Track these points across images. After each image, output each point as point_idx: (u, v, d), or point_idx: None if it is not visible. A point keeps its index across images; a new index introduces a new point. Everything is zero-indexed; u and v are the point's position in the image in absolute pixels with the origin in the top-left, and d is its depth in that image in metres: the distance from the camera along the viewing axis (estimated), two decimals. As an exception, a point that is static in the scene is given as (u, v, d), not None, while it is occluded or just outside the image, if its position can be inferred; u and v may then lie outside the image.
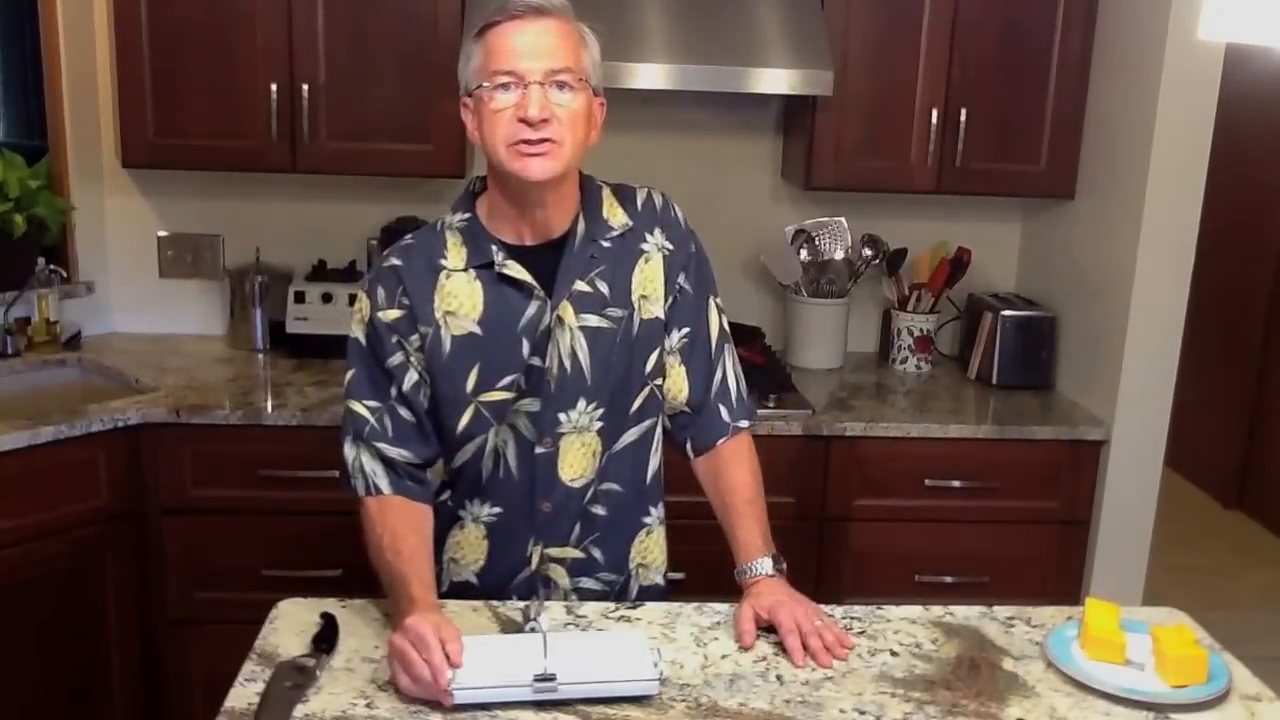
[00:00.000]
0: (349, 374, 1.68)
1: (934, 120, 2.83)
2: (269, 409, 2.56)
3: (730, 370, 1.79)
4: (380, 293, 1.64)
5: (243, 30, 2.68)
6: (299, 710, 1.40)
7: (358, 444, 1.66)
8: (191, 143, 2.72)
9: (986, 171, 2.90)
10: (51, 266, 2.89)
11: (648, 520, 1.78)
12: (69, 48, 2.90)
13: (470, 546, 1.74)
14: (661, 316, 1.70)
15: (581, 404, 1.66)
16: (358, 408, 1.66)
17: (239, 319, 3.04)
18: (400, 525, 1.61)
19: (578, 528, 1.72)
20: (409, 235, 1.71)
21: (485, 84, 1.54)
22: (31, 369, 2.85)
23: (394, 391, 1.65)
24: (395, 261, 1.65)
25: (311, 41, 2.70)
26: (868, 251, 3.15)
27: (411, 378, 1.64)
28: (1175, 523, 3.79)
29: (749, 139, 3.16)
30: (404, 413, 1.65)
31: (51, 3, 2.86)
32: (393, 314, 1.63)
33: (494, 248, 1.63)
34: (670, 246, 1.71)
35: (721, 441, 1.76)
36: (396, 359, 1.64)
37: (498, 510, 1.71)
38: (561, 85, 1.53)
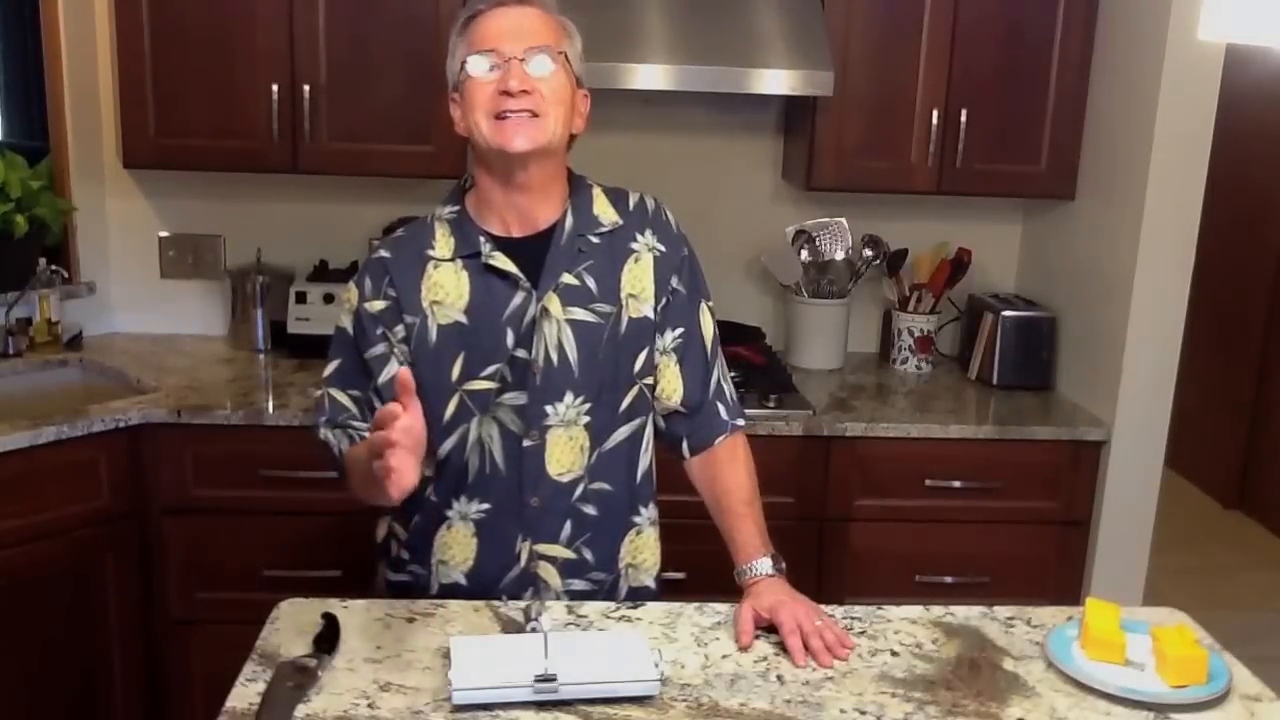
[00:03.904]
0: (332, 363, 1.70)
1: (934, 121, 2.84)
2: (270, 409, 2.56)
3: (724, 374, 1.81)
4: (367, 283, 1.67)
5: (244, 31, 2.68)
6: (300, 710, 1.40)
7: (331, 426, 1.68)
8: (193, 143, 2.73)
9: (987, 172, 2.90)
10: (53, 267, 2.90)
11: (637, 520, 1.78)
12: (70, 48, 2.90)
13: (459, 546, 1.73)
14: (651, 317, 1.71)
15: (569, 397, 1.67)
16: (338, 395, 1.69)
17: (240, 319, 3.05)
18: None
19: (568, 527, 1.72)
20: (399, 229, 1.74)
21: (467, 60, 1.58)
22: (33, 369, 2.85)
23: (371, 385, 1.66)
24: (383, 254, 1.68)
25: (312, 42, 2.70)
26: (868, 252, 3.15)
27: (390, 369, 1.65)
28: (1175, 523, 3.79)
29: (749, 139, 3.17)
30: (379, 405, 1.65)
31: (53, 3, 2.86)
32: (378, 305, 1.66)
33: (481, 238, 1.65)
34: (662, 248, 1.72)
35: (720, 440, 1.77)
36: (379, 349, 1.66)
37: (486, 507, 1.71)
38: (541, 61, 1.57)
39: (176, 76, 2.69)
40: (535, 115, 1.56)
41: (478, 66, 1.58)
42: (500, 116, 1.56)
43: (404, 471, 1.35)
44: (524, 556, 1.72)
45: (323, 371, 1.72)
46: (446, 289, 1.65)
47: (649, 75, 2.60)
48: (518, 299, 1.64)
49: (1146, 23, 2.62)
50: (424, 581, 1.75)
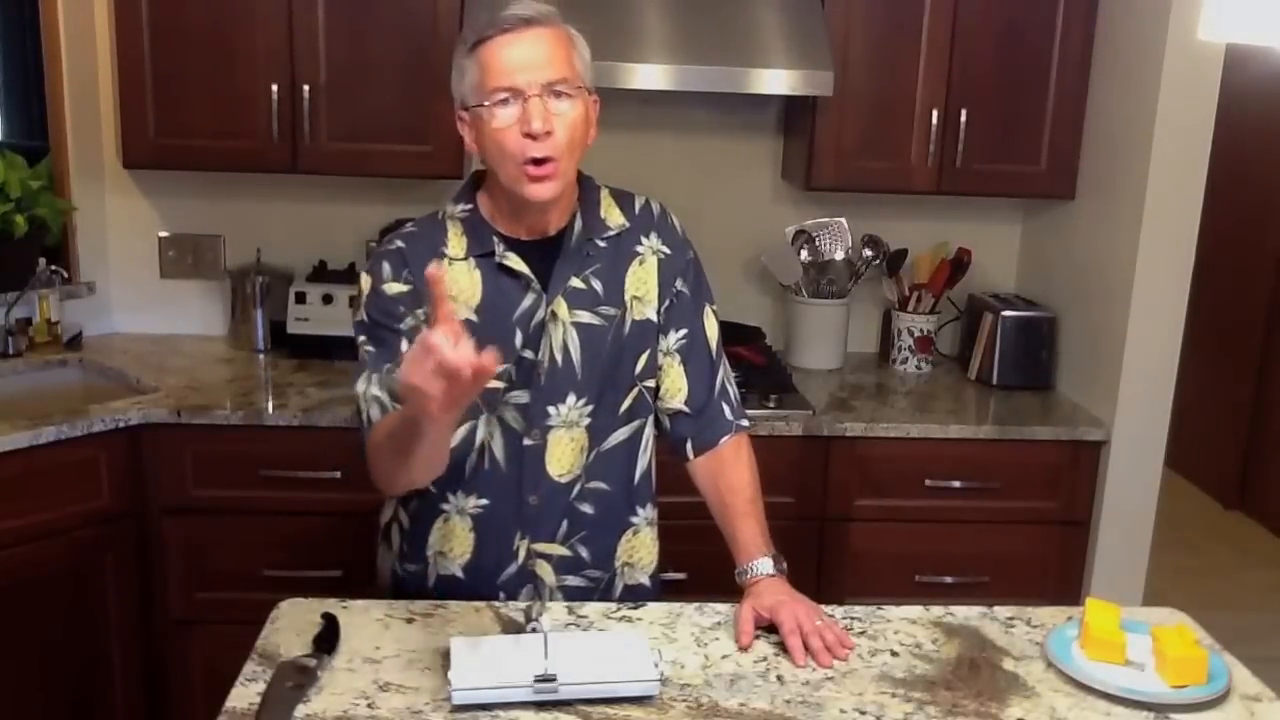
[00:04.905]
0: (365, 350, 1.63)
1: (934, 121, 2.84)
2: (270, 409, 2.56)
3: (728, 375, 1.81)
4: (386, 267, 1.65)
5: (243, 31, 2.68)
6: (300, 710, 1.40)
7: (371, 377, 1.60)
8: (192, 143, 2.73)
9: (986, 172, 2.90)
10: (53, 267, 2.89)
11: (635, 520, 1.78)
12: (70, 48, 2.90)
13: (457, 540, 1.73)
14: (654, 319, 1.72)
15: (571, 399, 1.67)
16: (375, 353, 1.62)
17: (240, 319, 3.05)
18: None
19: (565, 525, 1.72)
20: (410, 223, 1.73)
21: (485, 102, 1.56)
22: (33, 369, 2.85)
23: (404, 347, 1.57)
24: (399, 244, 1.67)
25: (312, 42, 2.70)
26: (868, 252, 3.15)
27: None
28: (1175, 523, 3.79)
29: (749, 139, 3.17)
30: None
31: (52, 3, 2.86)
32: (398, 287, 1.63)
33: (495, 239, 1.66)
34: (667, 251, 1.74)
35: (725, 440, 1.77)
36: (408, 323, 1.61)
37: (484, 503, 1.71)
38: (559, 94, 1.56)
39: (176, 76, 2.69)
40: (555, 161, 1.55)
41: (496, 111, 1.55)
42: (525, 162, 1.55)
43: (426, 383, 1.27)
44: (522, 554, 1.72)
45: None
46: (460, 286, 1.65)
47: (649, 75, 2.60)
48: (528, 300, 1.65)
49: (1146, 23, 2.62)
50: (422, 572, 1.75)
